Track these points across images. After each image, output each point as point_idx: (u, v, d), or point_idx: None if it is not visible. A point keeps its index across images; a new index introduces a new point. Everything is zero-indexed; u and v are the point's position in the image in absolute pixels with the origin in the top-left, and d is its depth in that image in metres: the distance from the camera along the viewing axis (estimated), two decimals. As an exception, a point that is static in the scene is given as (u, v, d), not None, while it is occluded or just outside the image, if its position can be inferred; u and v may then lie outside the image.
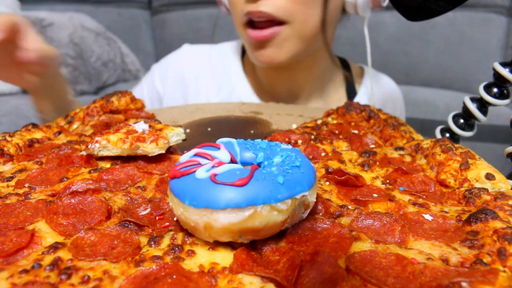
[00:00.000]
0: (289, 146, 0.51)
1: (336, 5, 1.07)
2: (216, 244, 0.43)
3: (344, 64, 1.34)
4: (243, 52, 1.32)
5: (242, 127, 0.91)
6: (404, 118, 1.35)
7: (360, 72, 1.35)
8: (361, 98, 1.28)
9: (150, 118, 0.85)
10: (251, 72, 1.29)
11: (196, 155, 0.48)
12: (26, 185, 0.55)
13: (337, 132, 0.77)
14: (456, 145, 0.63)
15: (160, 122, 0.70)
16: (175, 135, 0.66)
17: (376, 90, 1.27)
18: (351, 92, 1.31)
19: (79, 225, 0.46)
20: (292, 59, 1.09)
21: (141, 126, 0.65)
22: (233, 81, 1.27)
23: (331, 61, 1.23)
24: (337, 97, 1.30)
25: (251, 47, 1.10)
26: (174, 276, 0.37)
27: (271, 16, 1.00)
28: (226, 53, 1.32)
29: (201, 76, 1.29)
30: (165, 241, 0.44)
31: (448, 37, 2.23)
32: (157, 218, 0.49)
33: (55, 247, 0.42)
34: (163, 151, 0.63)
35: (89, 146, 0.63)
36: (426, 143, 0.67)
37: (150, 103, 1.34)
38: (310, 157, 0.67)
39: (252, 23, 1.04)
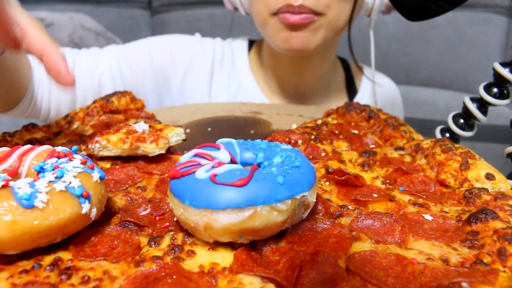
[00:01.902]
0: (289, 146, 0.51)
1: (360, 4, 1.10)
2: (216, 244, 0.43)
3: (344, 64, 1.36)
4: (249, 50, 1.32)
5: (242, 127, 0.91)
6: (403, 118, 1.36)
7: (359, 71, 1.36)
8: (361, 97, 1.30)
9: (150, 118, 0.85)
10: (257, 69, 1.29)
11: (196, 155, 0.48)
12: (26, 185, 0.55)
13: (337, 132, 0.77)
14: (456, 145, 0.63)
15: (160, 122, 0.70)
16: (175, 135, 0.66)
17: (376, 89, 1.28)
18: (351, 92, 1.32)
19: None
20: (320, 48, 1.10)
21: (141, 126, 0.65)
22: (240, 78, 1.27)
23: (335, 60, 1.24)
24: (339, 96, 1.31)
25: (282, 31, 1.06)
26: (174, 276, 0.37)
27: (311, 10, 1.00)
28: (233, 49, 1.31)
29: (213, 69, 1.27)
30: (165, 241, 0.44)
31: (448, 37, 2.23)
32: (157, 218, 0.49)
33: (55, 247, 0.42)
34: (163, 151, 0.63)
35: (89, 146, 0.63)
36: (426, 143, 0.67)
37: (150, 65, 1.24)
38: (310, 157, 0.67)
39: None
